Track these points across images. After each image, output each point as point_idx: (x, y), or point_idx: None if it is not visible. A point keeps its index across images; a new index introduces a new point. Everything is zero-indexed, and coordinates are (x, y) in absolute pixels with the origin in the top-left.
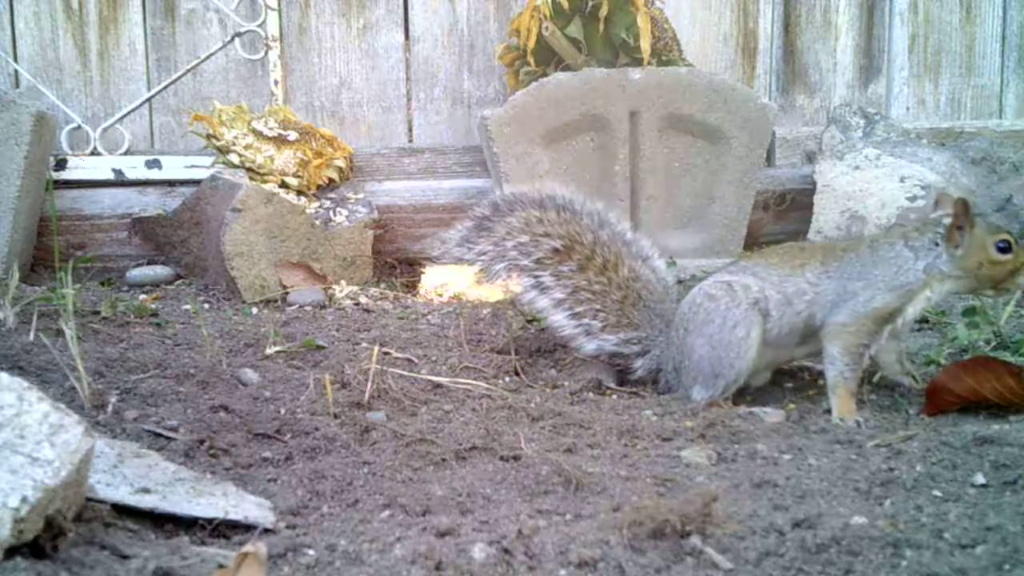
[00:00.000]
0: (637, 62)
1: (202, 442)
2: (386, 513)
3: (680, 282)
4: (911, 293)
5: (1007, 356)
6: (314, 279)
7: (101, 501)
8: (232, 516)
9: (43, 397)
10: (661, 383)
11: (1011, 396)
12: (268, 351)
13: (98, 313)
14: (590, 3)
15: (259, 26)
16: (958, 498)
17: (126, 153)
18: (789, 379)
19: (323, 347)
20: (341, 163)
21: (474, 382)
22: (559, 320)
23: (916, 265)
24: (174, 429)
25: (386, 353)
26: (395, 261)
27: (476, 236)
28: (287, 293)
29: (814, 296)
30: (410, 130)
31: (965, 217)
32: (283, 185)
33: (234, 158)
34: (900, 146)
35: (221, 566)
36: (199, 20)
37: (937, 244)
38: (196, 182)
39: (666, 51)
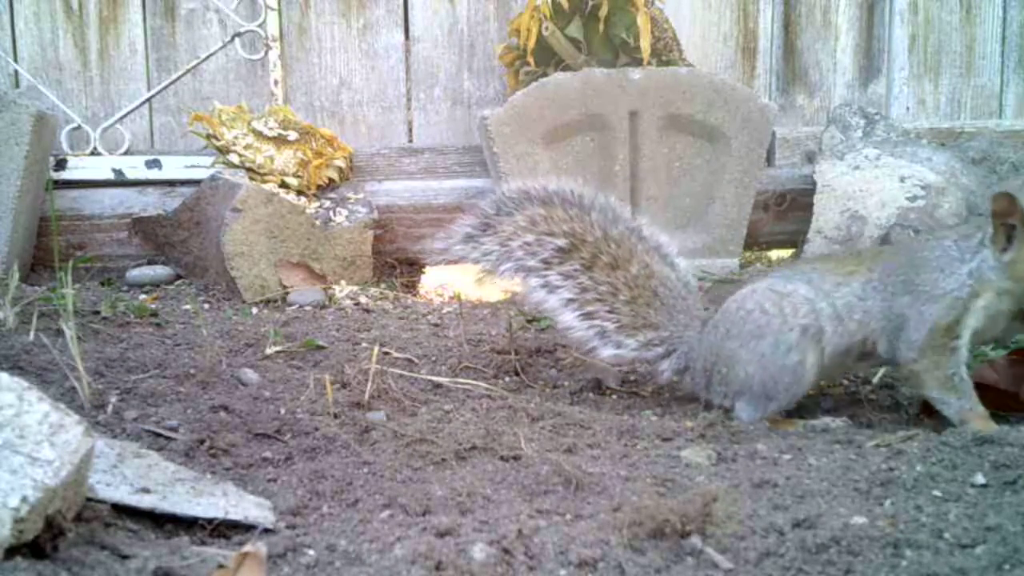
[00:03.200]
0: (637, 62)
1: (202, 442)
2: (386, 513)
3: None
4: (960, 302)
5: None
6: (314, 279)
7: (101, 501)
8: (232, 516)
9: (43, 397)
10: (686, 381)
11: (1013, 406)
12: (268, 351)
13: (98, 313)
14: (590, 3)
15: (259, 26)
16: (958, 498)
17: (126, 153)
18: None
19: (323, 347)
20: (341, 163)
21: (474, 382)
22: (569, 321)
23: (961, 269)
24: (174, 429)
25: (386, 353)
26: (395, 261)
27: (481, 234)
28: (287, 293)
29: (863, 316)
30: (410, 130)
31: (1014, 215)
32: (283, 185)
33: (234, 158)
34: (900, 146)
35: (221, 566)
36: (199, 20)
37: (984, 246)
38: (196, 182)
39: (666, 51)
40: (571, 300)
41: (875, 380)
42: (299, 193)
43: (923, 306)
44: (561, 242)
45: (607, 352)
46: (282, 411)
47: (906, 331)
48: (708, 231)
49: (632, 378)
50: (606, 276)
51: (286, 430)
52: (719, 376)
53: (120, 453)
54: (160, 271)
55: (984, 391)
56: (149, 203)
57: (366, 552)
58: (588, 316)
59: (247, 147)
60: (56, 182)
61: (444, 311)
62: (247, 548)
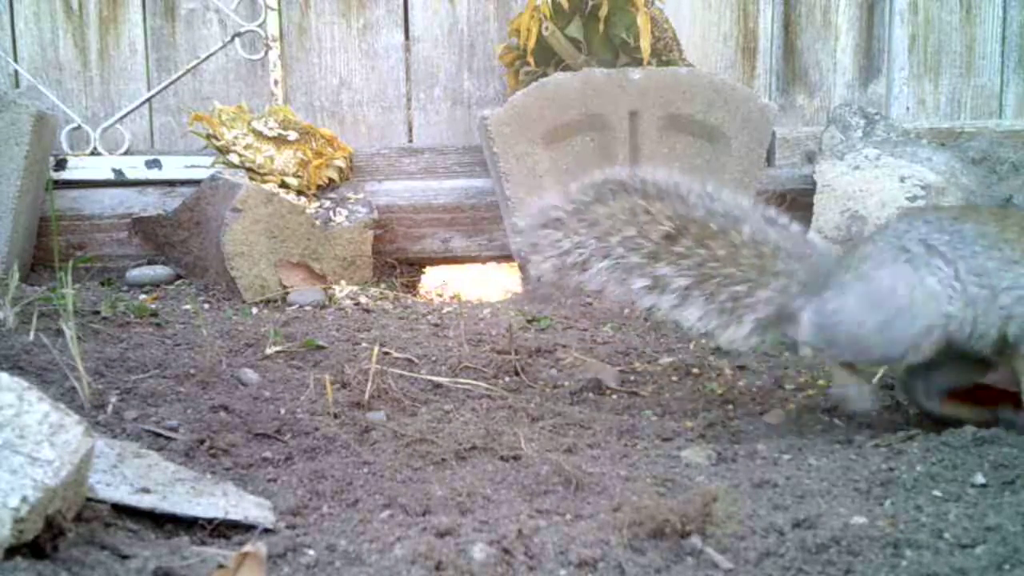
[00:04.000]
0: (637, 62)
1: (202, 442)
2: (386, 513)
3: None
4: None
5: None
6: (314, 279)
7: (101, 501)
8: (232, 516)
9: (43, 397)
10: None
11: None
12: (268, 351)
13: (98, 313)
14: (590, 3)
15: (259, 26)
16: (958, 498)
17: (126, 153)
18: (789, 379)
19: (323, 347)
20: (341, 163)
21: (474, 382)
22: (693, 315)
23: None
24: (174, 429)
25: (386, 353)
26: (395, 261)
27: (576, 222)
28: (287, 293)
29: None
30: (410, 130)
31: None
32: (283, 185)
33: (234, 158)
34: (900, 146)
35: (221, 566)
36: (199, 20)
37: None
38: (196, 182)
39: (666, 51)
40: (688, 288)
41: (874, 380)
42: (299, 193)
43: None
44: (668, 226)
45: (744, 329)
46: (282, 411)
47: None
48: None
49: (632, 378)
50: (721, 242)
51: (286, 430)
52: (822, 299)
53: (120, 453)
54: (160, 271)
55: (984, 390)
56: (149, 203)
57: (366, 552)
58: (711, 298)
59: (247, 147)
60: (56, 182)
61: (444, 311)
62: (247, 548)
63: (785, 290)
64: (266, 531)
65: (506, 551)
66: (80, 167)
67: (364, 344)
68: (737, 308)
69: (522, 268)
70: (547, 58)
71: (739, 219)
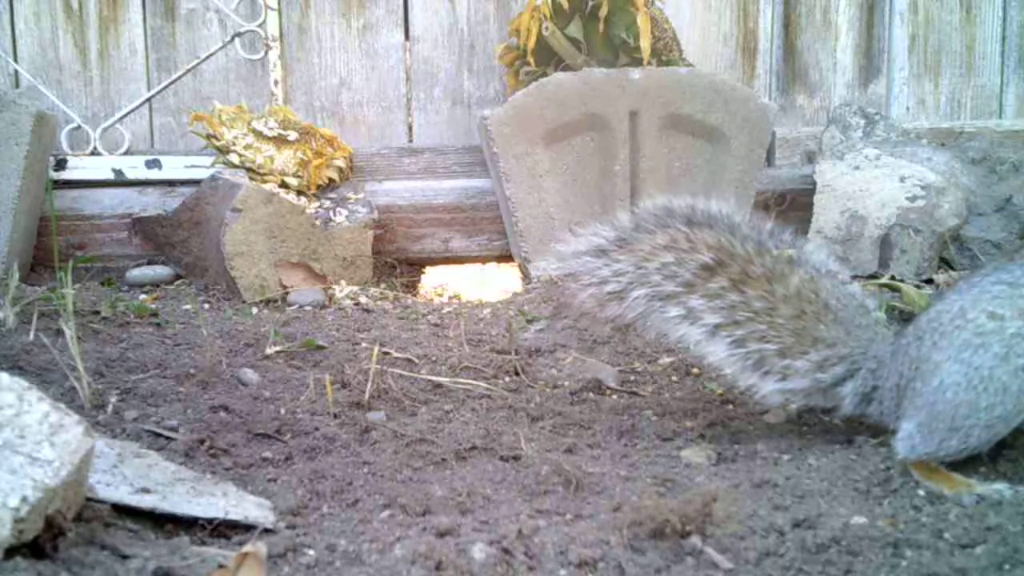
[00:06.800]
0: (637, 62)
1: (202, 442)
2: (386, 513)
3: None
4: None
5: None
6: (314, 279)
7: (101, 501)
8: (232, 516)
9: (43, 397)
10: (873, 408)
11: None
12: (268, 351)
13: (98, 313)
14: (590, 3)
15: (259, 26)
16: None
17: (126, 153)
18: None
19: (323, 347)
20: (341, 163)
21: (474, 382)
22: (718, 354)
23: None
24: (174, 429)
25: (386, 353)
26: (395, 261)
27: (616, 250)
28: (287, 293)
29: None
30: (410, 130)
31: None
32: (283, 185)
33: (234, 158)
34: (900, 146)
35: (221, 566)
36: (199, 20)
37: None
38: (196, 182)
39: (666, 51)
40: (718, 326)
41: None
42: (299, 193)
43: None
44: (707, 257)
45: (770, 387)
46: (282, 411)
47: None
48: None
49: (632, 378)
50: (760, 291)
51: (286, 430)
52: (911, 393)
53: (120, 453)
54: (160, 271)
55: None
56: (149, 203)
57: (366, 552)
58: (738, 343)
59: (247, 147)
60: (56, 182)
61: (444, 311)
62: (247, 548)
63: (823, 365)
64: (266, 531)
65: (506, 551)
66: (80, 167)
67: (364, 344)
68: (763, 366)
69: (523, 268)
70: (547, 58)
71: (791, 265)
